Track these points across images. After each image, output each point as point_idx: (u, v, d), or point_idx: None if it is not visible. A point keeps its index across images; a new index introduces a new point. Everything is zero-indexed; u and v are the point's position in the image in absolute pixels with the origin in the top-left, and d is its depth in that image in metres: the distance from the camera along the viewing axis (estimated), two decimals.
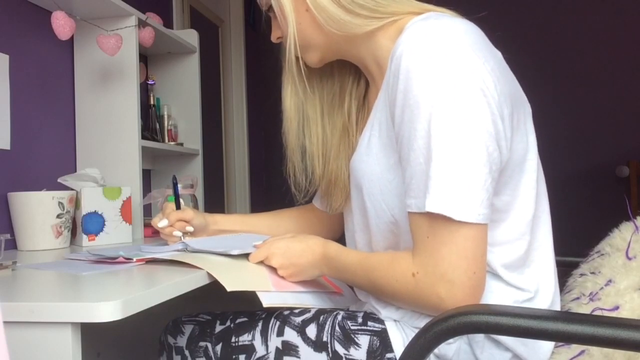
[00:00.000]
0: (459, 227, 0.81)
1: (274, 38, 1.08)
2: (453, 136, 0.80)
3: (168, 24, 2.42)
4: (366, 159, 0.97)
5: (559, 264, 1.01)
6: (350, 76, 1.12)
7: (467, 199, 0.80)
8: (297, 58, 1.02)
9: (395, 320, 0.95)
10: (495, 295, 0.90)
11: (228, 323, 1.03)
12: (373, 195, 0.96)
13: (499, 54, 0.92)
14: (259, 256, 1.03)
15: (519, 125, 0.90)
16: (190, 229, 1.24)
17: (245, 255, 1.05)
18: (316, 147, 1.10)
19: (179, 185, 1.63)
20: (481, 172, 0.81)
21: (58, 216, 1.45)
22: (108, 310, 0.70)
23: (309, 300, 1.04)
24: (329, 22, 0.96)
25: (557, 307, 0.96)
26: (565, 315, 0.81)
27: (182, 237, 1.22)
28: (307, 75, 1.05)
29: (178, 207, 1.27)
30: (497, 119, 0.83)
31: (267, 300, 0.95)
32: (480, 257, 0.83)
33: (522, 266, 0.92)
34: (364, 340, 0.94)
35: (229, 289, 0.91)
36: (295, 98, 1.09)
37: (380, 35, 0.97)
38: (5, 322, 0.64)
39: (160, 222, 1.25)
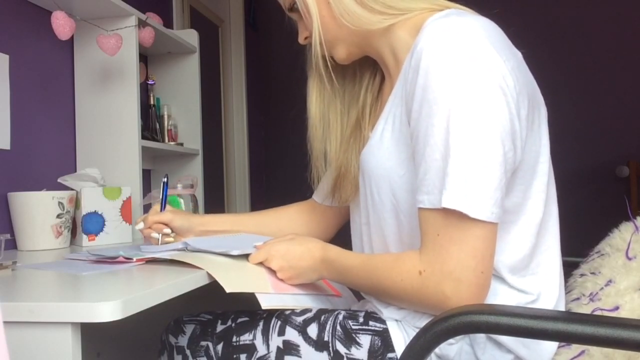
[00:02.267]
0: (471, 226, 0.81)
1: (301, 39, 1.08)
2: (471, 133, 0.80)
3: (168, 24, 2.42)
4: (377, 153, 0.97)
5: None
6: (368, 71, 1.13)
7: (482, 197, 0.80)
8: (323, 57, 1.02)
9: (396, 320, 0.94)
10: (499, 298, 0.90)
11: (229, 322, 1.03)
12: (381, 189, 0.96)
13: (519, 53, 0.91)
14: (259, 257, 1.03)
15: (534, 127, 0.90)
16: (167, 231, 1.24)
17: (246, 256, 1.05)
18: (335, 150, 1.10)
19: (179, 185, 1.63)
20: (497, 171, 0.81)
21: (58, 216, 1.45)
22: (108, 310, 0.70)
23: (308, 303, 1.04)
24: (344, 15, 0.97)
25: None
26: (566, 315, 0.81)
27: (158, 241, 1.23)
28: (333, 74, 1.05)
29: (163, 208, 1.27)
30: (515, 118, 0.83)
31: (265, 302, 0.95)
32: (489, 257, 0.83)
33: (526, 269, 0.92)
34: (365, 339, 0.94)
35: (228, 290, 0.91)
36: (320, 103, 1.10)
37: (397, 28, 0.97)
38: (5, 322, 0.64)
39: (138, 225, 1.26)
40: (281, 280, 1.02)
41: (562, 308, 0.95)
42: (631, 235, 0.94)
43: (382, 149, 0.96)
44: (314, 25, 1.00)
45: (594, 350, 0.84)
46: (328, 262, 0.98)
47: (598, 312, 0.88)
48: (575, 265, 1.05)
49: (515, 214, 0.90)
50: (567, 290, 1.01)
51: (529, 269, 0.92)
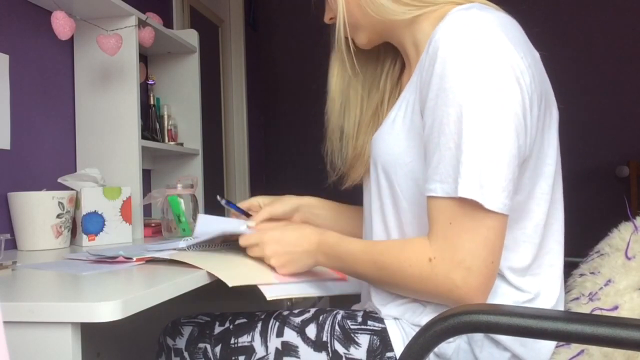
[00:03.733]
0: (484, 216, 0.81)
1: (326, 19, 1.09)
2: (487, 124, 0.80)
3: (168, 24, 2.42)
4: (387, 138, 0.97)
5: None
6: (390, 58, 1.13)
7: (497, 188, 0.80)
8: (346, 38, 1.03)
9: (395, 319, 0.94)
10: (499, 295, 0.90)
11: (227, 324, 1.03)
12: (388, 173, 0.96)
13: (537, 53, 0.92)
14: (251, 240, 1.02)
15: (545, 128, 0.90)
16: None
17: (244, 252, 1.05)
18: (353, 128, 1.10)
19: (179, 185, 1.64)
20: (511, 164, 0.82)
21: (58, 216, 1.45)
22: (108, 310, 0.70)
23: (313, 289, 1.02)
24: (369, 4, 0.97)
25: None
26: (565, 315, 0.81)
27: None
28: (355, 55, 1.05)
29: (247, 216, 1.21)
30: (527, 113, 0.84)
31: (270, 294, 0.94)
32: (499, 249, 0.83)
33: (526, 269, 0.91)
34: (363, 339, 0.94)
35: (230, 284, 0.90)
36: (340, 79, 1.10)
37: (422, 20, 0.97)
38: (5, 322, 0.64)
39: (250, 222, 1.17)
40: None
41: (560, 309, 0.95)
42: (630, 235, 0.94)
43: (392, 135, 0.96)
44: (339, 10, 1.01)
45: (594, 350, 0.84)
46: (326, 246, 0.97)
47: (597, 312, 0.88)
48: (575, 265, 1.05)
49: (518, 212, 0.90)
50: (567, 290, 1.01)
51: (530, 269, 0.92)
